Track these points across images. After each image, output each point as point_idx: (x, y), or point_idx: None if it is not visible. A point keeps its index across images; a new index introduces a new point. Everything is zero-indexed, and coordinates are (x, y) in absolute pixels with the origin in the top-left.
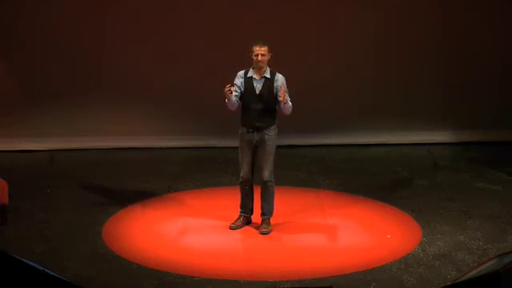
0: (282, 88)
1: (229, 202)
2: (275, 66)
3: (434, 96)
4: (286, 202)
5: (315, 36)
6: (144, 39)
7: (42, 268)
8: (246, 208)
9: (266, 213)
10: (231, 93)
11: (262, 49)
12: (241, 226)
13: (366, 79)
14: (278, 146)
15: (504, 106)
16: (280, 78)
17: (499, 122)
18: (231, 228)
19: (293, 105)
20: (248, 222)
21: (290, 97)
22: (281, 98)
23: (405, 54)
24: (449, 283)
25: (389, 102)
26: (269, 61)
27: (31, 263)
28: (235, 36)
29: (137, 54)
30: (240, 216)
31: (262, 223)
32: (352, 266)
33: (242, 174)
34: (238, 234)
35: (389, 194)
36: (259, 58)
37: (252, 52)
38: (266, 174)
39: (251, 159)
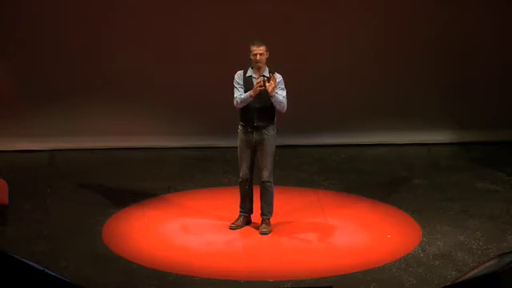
0: (273, 77)
1: (229, 201)
2: (275, 65)
3: (433, 96)
4: (286, 202)
5: (315, 36)
6: (144, 39)
7: (42, 268)
8: (246, 208)
9: (266, 213)
10: (261, 87)
11: (260, 48)
12: (241, 226)
13: (365, 79)
14: (278, 146)
15: (504, 106)
16: (278, 77)
17: (499, 122)
18: (231, 228)
19: (292, 104)
20: (248, 221)
21: (288, 96)
22: (270, 87)
23: (404, 53)
24: (449, 283)
25: (389, 102)
26: (267, 59)
27: (31, 263)
28: (235, 36)
29: (137, 54)
30: (240, 216)
31: (261, 223)
32: (352, 266)
33: (241, 174)
34: (237, 233)
35: (389, 194)
36: (257, 57)
37: (250, 52)
38: (265, 174)
39: (250, 159)
